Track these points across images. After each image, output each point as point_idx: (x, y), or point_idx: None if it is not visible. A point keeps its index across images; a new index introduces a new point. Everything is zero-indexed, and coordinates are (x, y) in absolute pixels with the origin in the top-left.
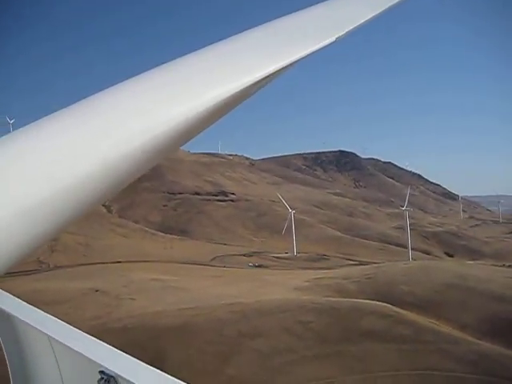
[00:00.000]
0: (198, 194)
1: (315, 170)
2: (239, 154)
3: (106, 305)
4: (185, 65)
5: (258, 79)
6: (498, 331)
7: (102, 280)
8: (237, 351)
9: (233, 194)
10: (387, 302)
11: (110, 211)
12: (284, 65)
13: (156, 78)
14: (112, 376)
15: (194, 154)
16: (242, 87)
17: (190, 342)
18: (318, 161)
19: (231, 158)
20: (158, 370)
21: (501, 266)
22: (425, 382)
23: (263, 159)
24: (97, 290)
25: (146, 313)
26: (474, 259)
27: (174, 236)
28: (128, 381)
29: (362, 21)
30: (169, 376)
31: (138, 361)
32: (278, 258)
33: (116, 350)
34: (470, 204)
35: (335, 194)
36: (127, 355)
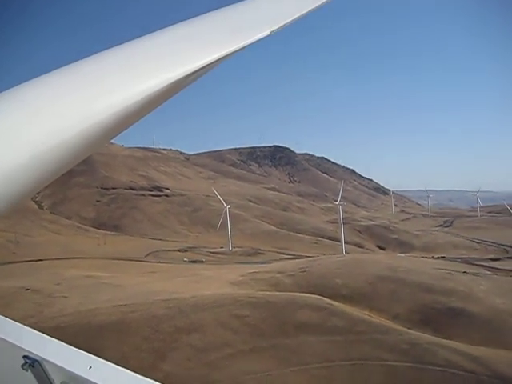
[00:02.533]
0: (132, 188)
1: (250, 165)
2: (174, 148)
3: (38, 303)
4: (118, 55)
5: (191, 71)
6: (428, 320)
7: (33, 278)
8: (173, 347)
9: (167, 188)
10: (322, 295)
11: (41, 207)
12: (219, 57)
13: (89, 67)
14: (37, 360)
15: (128, 148)
16: (175, 79)
17: (125, 339)
18: (252, 156)
19: (166, 152)
20: (84, 352)
21: (430, 258)
22: (358, 372)
23: (198, 154)
24: (27, 289)
25: (79, 311)
26: (404, 252)
27: (107, 232)
28: (54, 364)
29: (298, 14)
30: (94, 357)
31: (64, 344)
32: (213, 252)
33: (41, 334)
34: (401, 198)
35: (270, 188)
36: (53, 339)
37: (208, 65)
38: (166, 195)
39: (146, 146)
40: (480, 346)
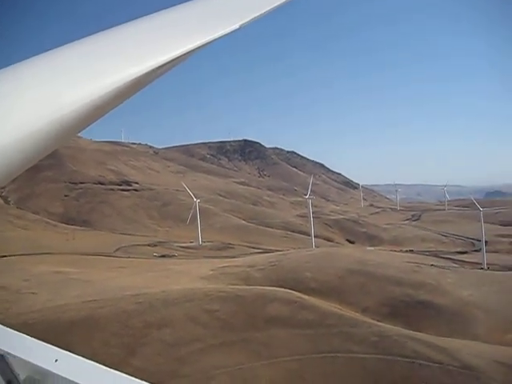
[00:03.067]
0: (100, 183)
1: (220, 159)
2: (143, 142)
3: (5, 300)
4: (87, 46)
5: (159, 64)
6: (397, 313)
7: (0, 274)
8: (143, 342)
9: (136, 183)
10: (292, 289)
11: (7, 202)
12: (187, 50)
13: (58, 58)
14: (0, 354)
15: (96, 142)
16: (143, 71)
17: (95, 334)
18: (222, 150)
19: (135, 146)
20: (50, 345)
21: (398, 252)
22: (329, 365)
23: (167, 148)
24: None
25: (48, 307)
26: (373, 245)
27: (76, 227)
28: (19, 358)
29: (268, 8)
30: (60, 350)
31: (29, 337)
32: (183, 247)
33: (5, 328)
34: (370, 192)
35: (240, 183)
36: (17, 332)
37: (177, 58)
38: (136, 189)
39: (114, 139)
40: (448, 338)
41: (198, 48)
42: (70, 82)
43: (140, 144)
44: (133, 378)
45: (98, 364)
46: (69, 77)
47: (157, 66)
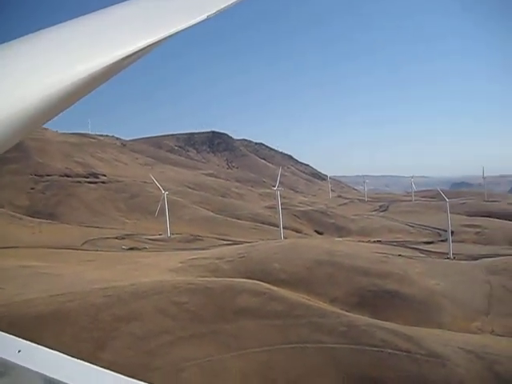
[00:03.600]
0: (67, 175)
1: (188, 151)
2: (110, 134)
3: None
4: (52, 35)
5: (125, 54)
6: (365, 303)
7: None
8: (112, 336)
9: (104, 175)
10: (260, 280)
11: None
12: (155, 40)
13: (24, 47)
14: None
15: (63, 134)
16: (111, 61)
17: (64, 329)
18: (190, 142)
19: (102, 138)
20: (12, 336)
21: (366, 242)
22: (298, 355)
23: (135, 140)
24: None
25: (14, 302)
26: (341, 236)
27: (42, 220)
28: None
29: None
30: (23, 340)
31: None
32: (151, 239)
33: None
34: (338, 184)
35: (208, 174)
36: None
37: (145, 48)
38: (103, 182)
39: (81, 131)
40: (415, 326)
41: (166, 38)
42: (36, 71)
43: (107, 136)
44: (96, 367)
45: (62, 354)
46: (35, 66)
47: (124, 55)
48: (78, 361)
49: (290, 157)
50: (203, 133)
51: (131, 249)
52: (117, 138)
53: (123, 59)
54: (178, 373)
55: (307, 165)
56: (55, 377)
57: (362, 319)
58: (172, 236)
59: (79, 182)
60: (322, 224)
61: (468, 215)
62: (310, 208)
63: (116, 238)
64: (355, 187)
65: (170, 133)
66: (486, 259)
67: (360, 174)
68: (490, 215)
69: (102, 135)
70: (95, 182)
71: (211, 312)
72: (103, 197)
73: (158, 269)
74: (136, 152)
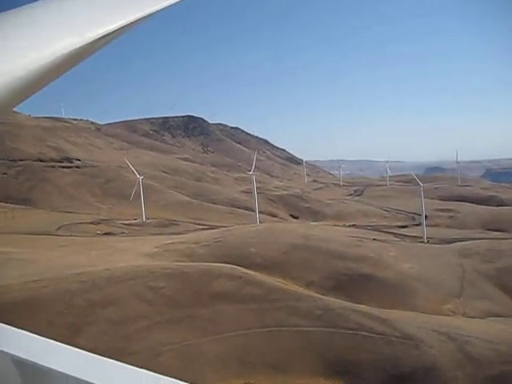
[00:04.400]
0: (40, 160)
1: (163, 135)
2: (84, 118)
3: None
4: (23, 15)
5: (101, 35)
6: (340, 286)
7: None
8: (88, 321)
9: (78, 160)
10: (237, 264)
11: None
12: (129, 21)
13: None
14: None
15: (36, 118)
16: (83, 43)
17: (39, 315)
18: (165, 126)
19: (76, 122)
20: None
21: (342, 226)
22: (274, 339)
23: (109, 124)
24: None
25: None
26: (317, 220)
27: (16, 205)
28: None
29: None
30: None
31: None
32: (127, 224)
33: None
34: (314, 168)
35: (184, 159)
36: None
37: (117, 29)
38: (77, 166)
39: (54, 115)
40: (389, 309)
41: (139, 21)
42: (5, 52)
43: (81, 120)
44: (64, 345)
45: (30, 333)
46: (4, 46)
47: (96, 37)
48: (44, 338)
49: (266, 141)
50: (178, 117)
51: (106, 234)
52: (91, 123)
53: (97, 40)
54: (155, 357)
55: (283, 149)
56: (23, 356)
57: (337, 302)
58: (147, 221)
59: (53, 166)
60: (297, 208)
61: (442, 200)
62: (286, 192)
63: (91, 223)
64: (331, 172)
65: (145, 117)
66: (458, 243)
67: (335, 159)
68: (463, 200)
69: (76, 119)
70: (69, 167)
71: (188, 297)
72: (78, 182)
73: (133, 254)
74: (111, 136)
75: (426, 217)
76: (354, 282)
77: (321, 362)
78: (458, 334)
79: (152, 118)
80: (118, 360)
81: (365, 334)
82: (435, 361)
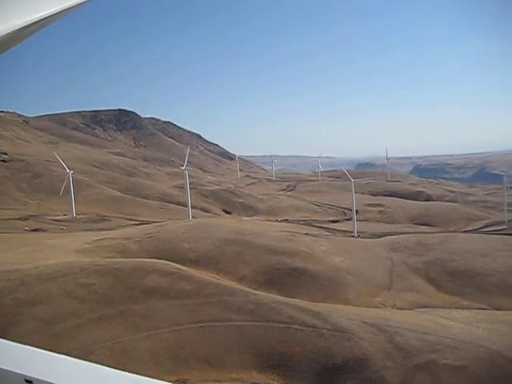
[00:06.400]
0: None
1: (94, 129)
2: (11, 110)
3: None
4: None
5: (28, 23)
6: (273, 281)
7: None
8: (16, 320)
9: (5, 153)
10: (169, 260)
11: None
12: (58, 10)
13: None
14: None
15: None
16: (9, 30)
17: None
18: (96, 119)
19: (2, 115)
20: None
21: (274, 221)
22: (207, 334)
23: (38, 117)
24: None
25: None
26: (250, 215)
27: None
28: None
29: None
30: None
31: None
32: (56, 220)
33: None
34: (246, 163)
35: (115, 153)
36: None
37: (46, 18)
38: (4, 160)
39: None
40: (321, 302)
41: (70, 9)
42: None
43: (8, 112)
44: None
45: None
46: None
47: (23, 25)
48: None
49: (199, 136)
50: (110, 110)
51: (35, 230)
52: (19, 115)
53: (24, 28)
54: (88, 356)
55: (216, 144)
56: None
57: (269, 297)
58: (78, 216)
59: None
60: (230, 203)
61: (372, 195)
62: (219, 187)
63: (19, 219)
64: (263, 167)
65: (75, 110)
66: (388, 237)
67: (268, 154)
68: (392, 195)
69: (2, 111)
70: None
71: (120, 293)
72: (4, 176)
73: (63, 250)
74: (39, 129)
75: (356, 211)
76: (286, 276)
77: (254, 355)
78: (388, 326)
79: (83, 111)
80: None
81: (297, 327)
82: (366, 352)
